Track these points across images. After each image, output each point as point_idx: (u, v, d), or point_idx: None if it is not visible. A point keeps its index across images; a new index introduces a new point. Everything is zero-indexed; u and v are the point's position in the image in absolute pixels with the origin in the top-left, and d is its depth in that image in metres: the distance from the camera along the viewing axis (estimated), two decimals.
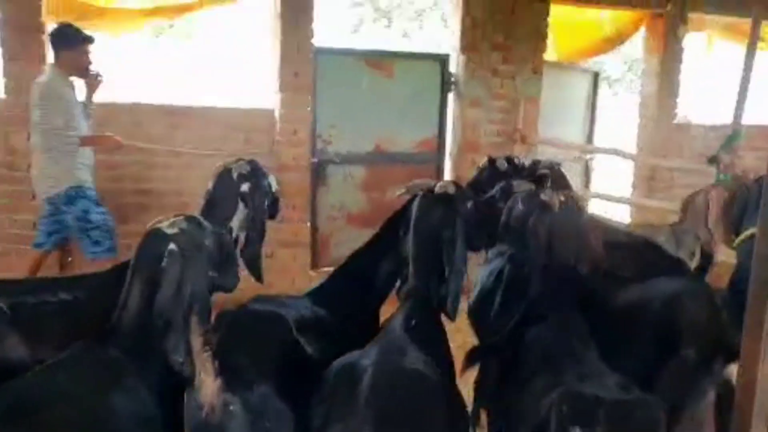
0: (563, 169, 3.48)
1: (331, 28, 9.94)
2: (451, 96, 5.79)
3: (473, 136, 5.74)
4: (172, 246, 2.02)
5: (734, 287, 2.91)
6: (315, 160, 5.34)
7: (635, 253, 2.96)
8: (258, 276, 2.74)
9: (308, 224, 5.38)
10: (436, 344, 2.18)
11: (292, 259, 5.28)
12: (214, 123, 5.05)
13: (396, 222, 2.58)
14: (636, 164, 6.93)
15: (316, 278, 4.48)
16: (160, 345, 1.99)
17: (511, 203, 2.43)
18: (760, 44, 4.67)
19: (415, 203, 2.45)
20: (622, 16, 6.61)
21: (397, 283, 2.56)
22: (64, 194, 4.09)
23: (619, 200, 6.81)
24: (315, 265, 5.45)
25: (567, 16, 6.40)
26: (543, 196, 2.28)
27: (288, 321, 2.18)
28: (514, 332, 2.23)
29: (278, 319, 2.18)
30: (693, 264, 3.36)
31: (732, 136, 4.57)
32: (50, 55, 4.52)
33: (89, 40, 4.20)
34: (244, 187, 2.73)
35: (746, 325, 1.73)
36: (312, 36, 5.09)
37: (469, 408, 2.90)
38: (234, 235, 2.74)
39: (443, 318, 2.38)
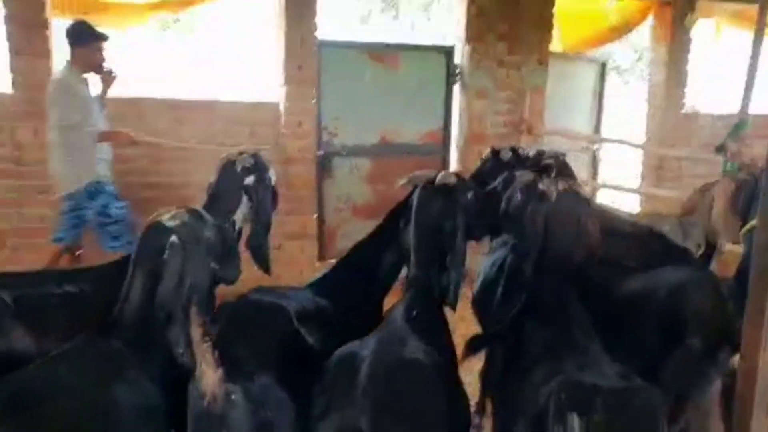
0: (568, 160, 3.45)
1: (339, 19, 9.91)
2: (456, 87, 5.76)
3: (479, 128, 5.71)
4: (173, 238, 2.03)
5: (741, 276, 2.88)
6: (321, 152, 5.35)
7: (640, 242, 2.94)
8: (266, 268, 2.75)
9: (315, 216, 5.39)
10: (437, 334, 2.18)
11: (299, 251, 5.30)
12: (219, 117, 5.05)
13: (398, 213, 2.58)
14: (644, 154, 6.89)
15: (323, 270, 4.47)
16: (162, 337, 2.01)
17: (510, 193, 2.42)
18: (767, 30, 4.59)
19: (416, 194, 2.44)
20: (629, 4, 6.55)
21: (403, 273, 2.56)
22: (84, 190, 4.11)
23: (627, 190, 6.78)
24: (322, 256, 5.47)
25: (572, 6, 6.35)
26: (541, 186, 2.27)
27: (289, 311, 2.18)
28: (516, 322, 2.23)
29: (279, 309, 2.18)
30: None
31: (739, 124, 4.51)
32: (56, 51, 4.56)
33: (102, 37, 4.21)
34: (248, 179, 2.73)
35: (747, 313, 1.73)
36: (315, 29, 5.08)
37: (475, 398, 2.92)
38: (237, 227, 2.75)
39: (446, 308, 2.38)
